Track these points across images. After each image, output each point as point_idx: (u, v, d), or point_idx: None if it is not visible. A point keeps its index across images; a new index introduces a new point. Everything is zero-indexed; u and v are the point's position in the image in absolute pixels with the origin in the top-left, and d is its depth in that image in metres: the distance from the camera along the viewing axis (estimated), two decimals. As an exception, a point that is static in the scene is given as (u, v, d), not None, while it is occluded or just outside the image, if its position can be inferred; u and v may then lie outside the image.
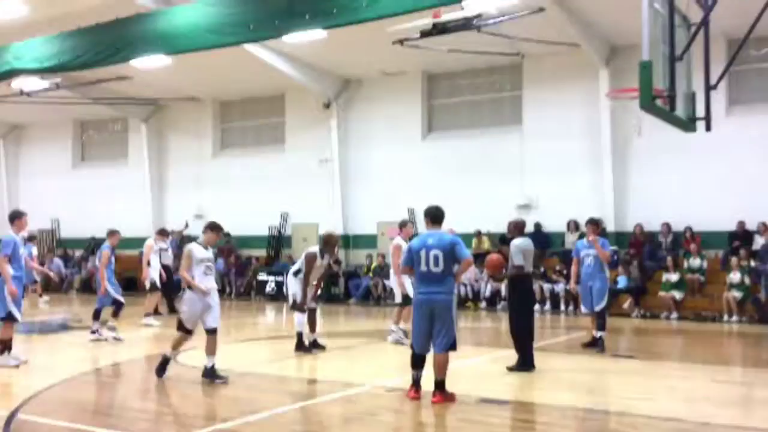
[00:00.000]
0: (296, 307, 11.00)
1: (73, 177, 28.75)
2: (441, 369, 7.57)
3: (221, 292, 23.14)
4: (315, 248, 11.15)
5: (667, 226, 18.47)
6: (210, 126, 26.13)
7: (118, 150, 28.45)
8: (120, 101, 25.29)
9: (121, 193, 26.98)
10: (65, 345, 12.69)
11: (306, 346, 10.91)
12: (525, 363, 9.33)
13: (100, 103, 25.04)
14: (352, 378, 8.29)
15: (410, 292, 11.25)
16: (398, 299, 11.76)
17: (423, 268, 7.58)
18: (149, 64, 18.88)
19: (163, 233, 16.24)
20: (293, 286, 11.08)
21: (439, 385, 7.58)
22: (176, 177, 26.70)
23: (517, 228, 9.93)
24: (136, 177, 26.88)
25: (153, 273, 15.18)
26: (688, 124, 9.33)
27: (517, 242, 9.53)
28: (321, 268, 11.13)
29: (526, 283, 9.62)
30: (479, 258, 16.69)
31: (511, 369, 9.33)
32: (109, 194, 27.19)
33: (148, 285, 15.17)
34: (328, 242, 11.12)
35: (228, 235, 24.90)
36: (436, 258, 7.53)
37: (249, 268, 23.48)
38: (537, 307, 17.79)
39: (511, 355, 9.66)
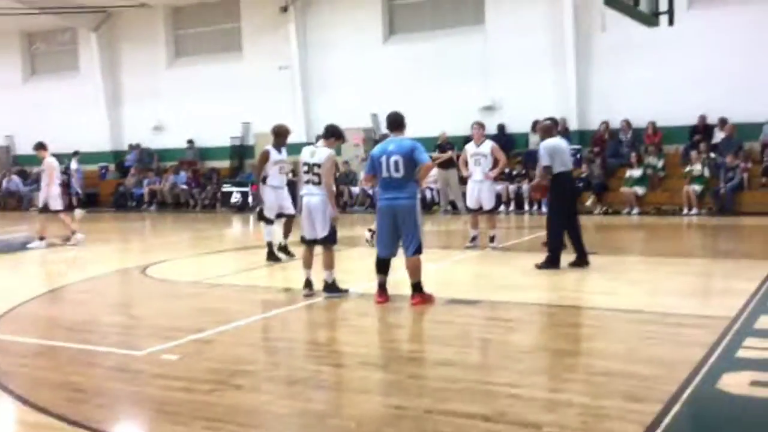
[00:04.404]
0: (262, 217, 10.97)
1: (25, 91, 27.84)
2: (414, 272, 7.70)
3: (185, 205, 23.06)
4: (268, 146, 10.97)
5: (627, 122, 18.60)
6: (162, 34, 25.29)
7: (68, 62, 27.52)
8: (67, 10, 24.23)
9: (76, 107, 26.27)
10: (29, 263, 12.59)
11: (276, 256, 10.94)
12: (552, 261, 9.47)
13: (46, 13, 23.97)
14: (321, 285, 8.35)
15: None
16: None
17: (384, 174, 7.62)
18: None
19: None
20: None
21: (416, 287, 7.72)
22: (131, 88, 25.98)
23: (545, 130, 9.84)
24: (89, 90, 26.13)
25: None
26: (651, 19, 9.26)
27: (545, 144, 9.45)
28: (283, 164, 10.94)
29: (559, 184, 9.50)
30: (445, 163, 16.64)
31: (539, 266, 9.47)
32: (63, 108, 26.45)
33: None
34: (278, 134, 10.84)
35: (191, 142, 24.56)
36: (396, 163, 7.54)
37: (211, 180, 23.27)
38: (501, 208, 18.00)
39: (473, 257, 9.72)
